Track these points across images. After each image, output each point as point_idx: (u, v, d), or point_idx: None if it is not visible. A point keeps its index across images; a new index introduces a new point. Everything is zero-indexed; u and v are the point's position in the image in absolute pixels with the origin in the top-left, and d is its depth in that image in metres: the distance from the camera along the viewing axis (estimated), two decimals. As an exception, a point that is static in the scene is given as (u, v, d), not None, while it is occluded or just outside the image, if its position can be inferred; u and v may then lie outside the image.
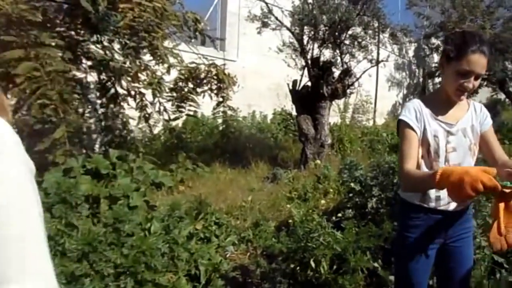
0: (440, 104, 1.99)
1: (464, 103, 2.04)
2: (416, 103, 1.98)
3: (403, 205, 2.09)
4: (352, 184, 4.24)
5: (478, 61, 1.81)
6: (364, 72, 8.54)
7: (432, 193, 1.94)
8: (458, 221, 1.99)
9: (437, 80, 17.92)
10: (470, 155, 1.96)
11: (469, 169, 1.43)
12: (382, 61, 9.36)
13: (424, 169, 1.92)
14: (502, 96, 18.68)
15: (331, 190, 5.41)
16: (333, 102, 8.97)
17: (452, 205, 1.95)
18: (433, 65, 18.36)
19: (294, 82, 8.13)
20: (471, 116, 2.02)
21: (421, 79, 19.73)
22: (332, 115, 10.65)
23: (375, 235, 3.32)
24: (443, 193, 1.90)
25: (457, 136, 1.95)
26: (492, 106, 16.80)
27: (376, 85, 15.95)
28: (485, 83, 17.62)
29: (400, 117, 1.96)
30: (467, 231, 2.05)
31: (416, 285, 2.03)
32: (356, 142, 9.97)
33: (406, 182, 1.89)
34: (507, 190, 1.50)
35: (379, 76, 15.90)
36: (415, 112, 1.94)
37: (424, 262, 2.01)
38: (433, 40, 17.96)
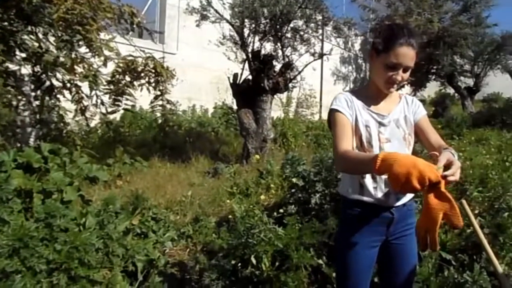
0: (371, 96, 1.98)
1: (396, 96, 2.04)
2: (346, 94, 1.97)
3: (342, 201, 2.06)
4: (294, 180, 4.19)
5: (406, 53, 1.80)
6: (306, 65, 8.54)
7: (370, 186, 1.90)
8: (399, 218, 1.95)
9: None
10: (406, 145, 1.95)
11: (417, 162, 1.39)
12: (325, 54, 9.42)
13: None
14: (451, 90, 19.31)
15: (274, 185, 5.38)
16: (275, 96, 8.96)
17: (392, 200, 1.91)
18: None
19: (235, 75, 8.06)
20: (403, 108, 2.02)
21: (367, 73, 19.99)
22: (276, 109, 10.70)
23: (318, 231, 3.28)
24: (382, 187, 1.88)
25: (390, 127, 1.94)
26: (441, 101, 17.40)
27: (321, 79, 16.08)
28: (433, 77, 18.25)
29: (331, 107, 1.93)
30: (410, 228, 1.99)
31: (357, 284, 1.98)
32: (300, 137, 10.01)
33: (343, 162, 1.79)
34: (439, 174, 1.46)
35: (324, 70, 16.02)
36: (346, 101, 1.93)
37: (365, 261, 1.97)
38: (380, 34, 18.29)
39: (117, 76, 6.12)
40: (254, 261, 3.08)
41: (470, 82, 19.20)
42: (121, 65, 6.06)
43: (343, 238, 2.00)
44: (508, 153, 7.44)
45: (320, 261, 3.16)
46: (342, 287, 2.05)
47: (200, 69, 13.51)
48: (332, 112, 1.92)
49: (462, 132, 10.68)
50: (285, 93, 10.09)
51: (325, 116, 15.57)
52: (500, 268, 1.83)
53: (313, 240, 3.20)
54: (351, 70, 19.91)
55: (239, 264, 3.15)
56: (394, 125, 1.95)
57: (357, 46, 19.90)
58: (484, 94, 22.94)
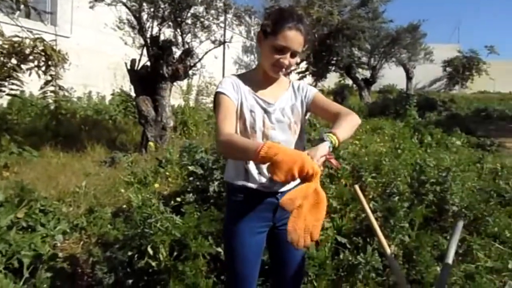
0: (259, 81, 1.96)
1: (285, 82, 2.03)
2: (233, 78, 1.94)
3: (227, 188, 2.02)
4: (192, 168, 4.15)
5: (295, 37, 1.80)
6: (206, 53, 8.44)
7: (255, 172, 1.88)
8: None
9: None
10: (291, 134, 1.94)
11: (300, 154, 1.45)
12: (226, 42, 9.38)
13: None
14: (350, 81, 20.12)
15: (173, 174, 5.30)
16: (175, 84, 8.79)
17: (278, 186, 1.90)
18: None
19: (133, 61, 7.77)
20: (291, 95, 2.01)
21: None
22: (176, 97, 10.52)
23: (217, 219, 3.27)
24: (265, 172, 1.87)
25: (275, 115, 1.92)
26: (340, 91, 18.10)
27: (223, 67, 16.01)
28: (333, 68, 18.89)
29: (217, 90, 1.89)
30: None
31: (244, 270, 1.96)
32: (201, 125, 9.95)
33: (225, 145, 1.70)
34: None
35: (226, 59, 15.94)
36: (232, 85, 1.89)
37: (252, 247, 1.95)
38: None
39: (1, 58, 5.64)
40: (151, 251, 2.99)
41: (367, 73, 20.26)
42: (5, 46, 5.59)
43: (229, 225, 1.97)
44: (400, 141, 7.96)
45: (219, 249, 3.15)
46: (230, 274, 2.02)
47: (96, 54, 12.90)
48: (217, 94, 1.87)
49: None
50: (185, 81, 9.91)
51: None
52: (388, 250, 1.95)
53: (211, 228, 3.18)
54: (253, 59, 20.03)
55: (136, 256, 3.05)
56: (280, 113, 1.93)
57: None
58: (380, 85, 24.37)
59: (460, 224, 2.19)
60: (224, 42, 9.19)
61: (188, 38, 8.41)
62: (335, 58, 17.34)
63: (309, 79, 19.51)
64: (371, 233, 3.47)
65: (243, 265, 1.95)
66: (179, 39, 8.28)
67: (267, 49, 1.85)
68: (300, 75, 17.05)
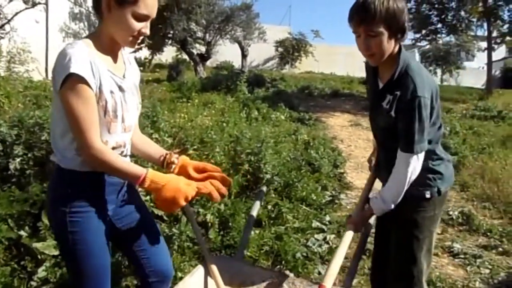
0: (105, 53, 1.64)
1: (120, 54, 1.76)
2: (85, 50, 1.53)
3: (65, 177, 1.65)
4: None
5: (155, 3, 1.61)
6: (16, 14, 7.56)
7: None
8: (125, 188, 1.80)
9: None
10: (138, 114, 1.81)
11: (180, 185, 1.55)
12: (39, 3, 8.49)
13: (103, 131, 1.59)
14: (186, 56, 19.87)
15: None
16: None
17: None
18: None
19: None
20: (131, 70, 1.78)
21: None
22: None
23: (19, 200, 3.00)
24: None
25: (127, 93, 1.69)
26: (176, 65, 17.81)
27: (47, 33, 14.44)
28: (169, 42, 18.48)
29: (72, 70, 1.45)
30: (133, 188, 1.85)
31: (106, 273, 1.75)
32: (16, 97, 9.02)
33: (98, 163, 1.53)
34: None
35: (50, 25, 14.46)
36: (90, 64, 1.51)
37: (106, 246, 1.73)
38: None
39: None
40: None
41: (203, 49, 20.39)
42: None
43: (77, 224, 1.66)
44: (229, 115, 8.20)
45: (23, 232, 2.87)
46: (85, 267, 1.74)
47: None
48: (71, 78, 1.46)
49: (191, 96, 11.26)
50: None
51: (50, 75, 14.17)
52: (196, 226, 2.15)
53: (11, 210, 2.91)
54: (83, 27, 18.64)
55: None
56: (130, 91, 1.71)
57: (90, 3, 18.66)
58: (217, 61, 24.83)
59: (264, 189, 2.38)
60: (37, 4, 8.27)
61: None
62: (171, 32, 17.15)
63: (145, 51, 19.02)
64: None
65: (103, 268, 1.73)
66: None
67: (124, 19, 1.55)
68: (136, 47, 16.50)
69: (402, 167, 1.80)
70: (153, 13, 1.61)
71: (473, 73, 29.24)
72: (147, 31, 1.61)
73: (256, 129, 6.38)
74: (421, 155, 1.79)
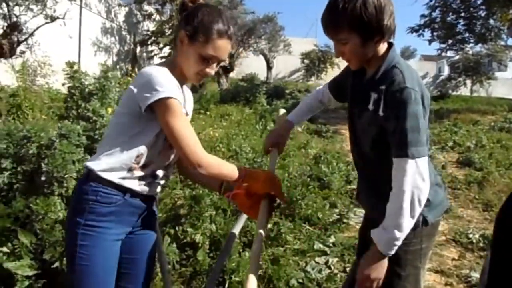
0: (177, 81, 1.64)
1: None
2: (170, 75, 1.58)
3: (93, 185, 1.58)
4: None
5: (226, 47, 1.62)
6: (37, 29, 7.71)
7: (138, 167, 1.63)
8: (150, 206, 1.75)
9: (150, 48, 17.83)
10: None
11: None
12: (59, 18, 8.61)
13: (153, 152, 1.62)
14: None
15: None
16: (5, 62, 7.89)
17: (154, 188, 1.70)
18: (145, 32, 18.15)
19: None
20: (189, 99, 1.83)
21: (132, 46, 19.05)
22: (9, 77, 9.47)
23: (2, 215, 2.82)
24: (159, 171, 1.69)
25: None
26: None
27: (79, 48, 14.51)
28: None
29: (166, 95, 1.48)
30: (154, 215, 1.84)
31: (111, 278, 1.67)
32: (42, 108, 9.09)
33: (214, 169, 1.59)
34: None
35: (82, 39, 14.57)
36: (178, 88, 1.60)
37: (115, 258, 1.66)
38: (146, 7, 17.80)
39: None
40: None
41: (226, 61, 20.48)
42: None
43: (91, 236, 1.61)
44: (244, 127, 8.02)
45: (5, 249, 2.69)
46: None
47: None
48: (168, 100, 1.50)
49: (209, 108, 11.22)
50: (20, 59, 8.91)
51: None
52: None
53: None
54: (114, 42, 18.73)
55: None
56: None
57: (121, 18, 18.79)
58: (243, 73, 25.04)
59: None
60: (56, 18, 8.43)
61: (16, 10, 7.57)
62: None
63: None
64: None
65: (108, 277, 1.64)
66: (5, 10, 7.43)
67: (191, 56, 1.61)
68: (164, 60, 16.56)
69: (399, 178, 1.45)
70: (223, 57, 1.63)
71: (506, 83, 28.44)
72: (211, 72, 1.65)
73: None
74: (422, 163, 1.44)
